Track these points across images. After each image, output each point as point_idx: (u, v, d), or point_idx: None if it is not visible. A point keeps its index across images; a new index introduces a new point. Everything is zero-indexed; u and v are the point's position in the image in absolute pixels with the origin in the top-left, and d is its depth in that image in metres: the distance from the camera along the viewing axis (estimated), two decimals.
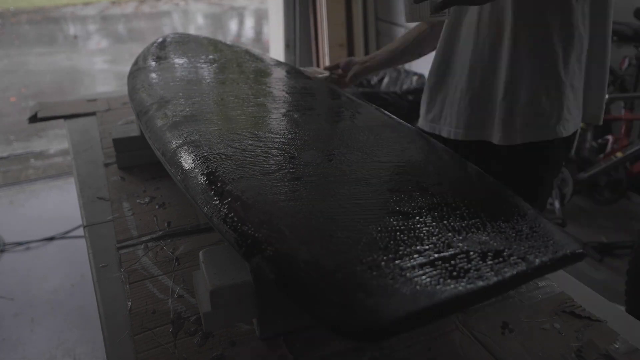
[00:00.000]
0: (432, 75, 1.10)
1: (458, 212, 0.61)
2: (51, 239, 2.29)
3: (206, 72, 1.10)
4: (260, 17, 6.68)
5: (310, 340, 0.69)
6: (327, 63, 3.01)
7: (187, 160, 0.72)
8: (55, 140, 3.38)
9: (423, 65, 2.76)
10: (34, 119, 1.47)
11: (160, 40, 1.36)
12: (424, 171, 0.70)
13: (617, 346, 0.68)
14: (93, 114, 1.46)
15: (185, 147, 0.76)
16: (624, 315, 0.74)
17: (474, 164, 0.75)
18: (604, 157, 2.15)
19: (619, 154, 2.04)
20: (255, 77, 1.07)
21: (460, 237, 0.57)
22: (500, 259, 0.54)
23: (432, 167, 0.71)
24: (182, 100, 0.93)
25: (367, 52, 3.06)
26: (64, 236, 2.31)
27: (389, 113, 0.92)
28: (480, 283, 0.51)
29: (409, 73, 2.62)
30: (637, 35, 2.01)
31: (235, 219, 0.60)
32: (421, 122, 1.15)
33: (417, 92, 2.45)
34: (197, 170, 0.69)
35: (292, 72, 1.13)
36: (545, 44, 0.95)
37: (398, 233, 0.56)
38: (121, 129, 1.15)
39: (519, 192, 0.69)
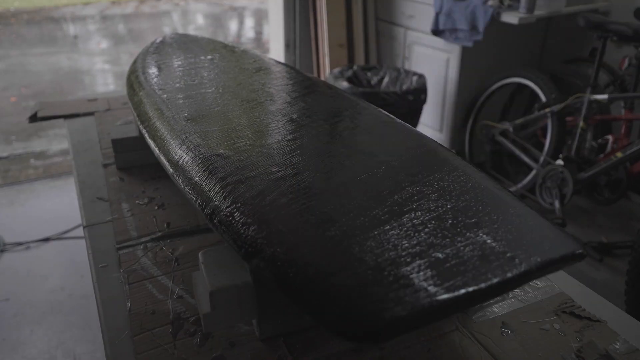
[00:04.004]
0: None
1: (460, 212, 0.61)
2: (47, 239, 2.29)
3: (206, 73, 1.10)
4: (260, 17, 6.68)
5: (310, 341, 0.69)
6: (327, 63, 3.00)
7: (186, 162, 0.72)
8: (55, 140, 3.38)
9: (423, 65, 2.76)
10: (34, 118, 1.47)
11: (159, 40, 1.36)
12: (425, 171, 0.69)
13: (617, 346, 0.68)
14: (93, 113, 1.46)
15: (184, 148, 0.75)
16: (624, 316, 0.74)
17: None
18: (604, 157, 2.15)
19: (619, 154, 2.04)
20: (255, 78, 1.07)
21: (461, 238, 0.56)
22: (501, 260, 0.54)
23: (433, 167, 0.71)
24: (181, 101, 0.93)
25: (367, 52, 3.05)
26: (60, 237, 2.31)
27: (388, 113, 0.92)
28: (481, 283, 0.50)
29: (409, 73, 2.62)
30: (637, 35, 2.01)
31: (235, 220, 0.60)
32: None
33: (417, 92, 2.45)
34: (196, 172, 0.69)
35: (292, 72, 1.13)
36: None
37: (399, 234, 0.56)
38: (120, 130, 1.15)
39: None
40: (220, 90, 0.99)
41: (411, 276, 0.50)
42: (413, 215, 0.60)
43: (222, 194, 0.64)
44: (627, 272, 1.73)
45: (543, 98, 2.32)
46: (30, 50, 5.37)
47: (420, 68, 2.77)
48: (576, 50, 2.64)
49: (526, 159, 2.37)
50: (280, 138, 0.78)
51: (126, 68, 1.22)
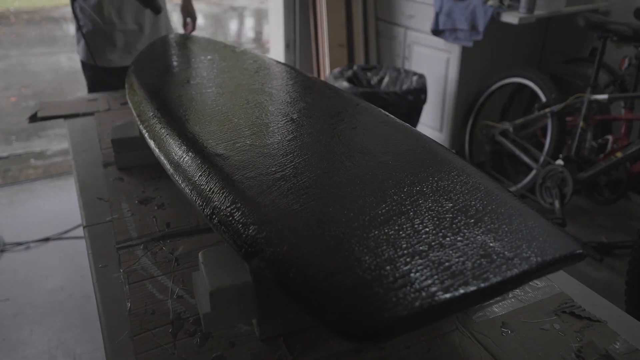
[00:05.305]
0: None
1: (460, 212, 0.61)
2: (47, 239, 2.29)
3: (205, 73, 1.10)
4: (260, 17, 6.68)
5: (310, 341, 0.69)
6: (327, 63, 3.00)
7: (186, 162, 0.72)
8: (55, 140, 3.38)
9: (423, 65, 2.76)
10: (34, 118, 1.47)
11: (159, 40, 1.36)
12: (425, 171, 0.69)
13: (617, 346, 0.68)
14: (93, 113, 1.46)
15: (184, 148, 0.75)
16: (624, 316, 0.74)
17: None
18: (604, 157, 2.15)
19: (619, 154, 2.04)
20: (255, 78, 1.07)
21: (461, 238, 0.56)
22: (501, 260, 0.54)
23: (433, 167, 0.71)
24: (181, 101, 0.93)
25: (367, 52, 3.05)
26: (60, 237, 2.31)
27: (388, 113, 0.92)
28: (481, 283, 0.50)
29: (409, 73, 2.62)
30: (637, 35, 2.01)
31: (235, 220, 0.60)
32: None
33: (417, 92, 2.45)
34: (196, 171, 0.69)
35: (292, 72, 1.13)
36: None
37: (399, 234, 0.56)
38: (120, 130, 1.15)
39: None
40: (220, 90, 0.99)
41: (411, 276, 0.50)
42: (413, 215, 0.60)
43: (222, 194, 0.64)
44: (627, 272, 1.73)
45: (543, 98, 2.32)
46: (30, 50, 5.36)
47: (420, 68, 2.77)
48: (576, 50, 2.64)
49: (526, 159, 2.37)
50: (280, 138, 0.78)
51: None
